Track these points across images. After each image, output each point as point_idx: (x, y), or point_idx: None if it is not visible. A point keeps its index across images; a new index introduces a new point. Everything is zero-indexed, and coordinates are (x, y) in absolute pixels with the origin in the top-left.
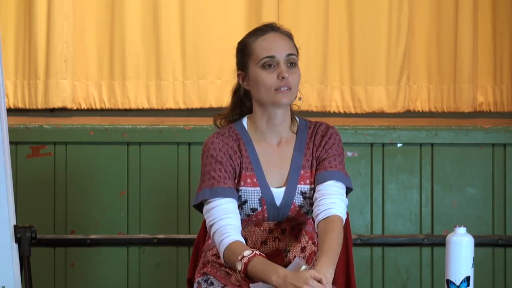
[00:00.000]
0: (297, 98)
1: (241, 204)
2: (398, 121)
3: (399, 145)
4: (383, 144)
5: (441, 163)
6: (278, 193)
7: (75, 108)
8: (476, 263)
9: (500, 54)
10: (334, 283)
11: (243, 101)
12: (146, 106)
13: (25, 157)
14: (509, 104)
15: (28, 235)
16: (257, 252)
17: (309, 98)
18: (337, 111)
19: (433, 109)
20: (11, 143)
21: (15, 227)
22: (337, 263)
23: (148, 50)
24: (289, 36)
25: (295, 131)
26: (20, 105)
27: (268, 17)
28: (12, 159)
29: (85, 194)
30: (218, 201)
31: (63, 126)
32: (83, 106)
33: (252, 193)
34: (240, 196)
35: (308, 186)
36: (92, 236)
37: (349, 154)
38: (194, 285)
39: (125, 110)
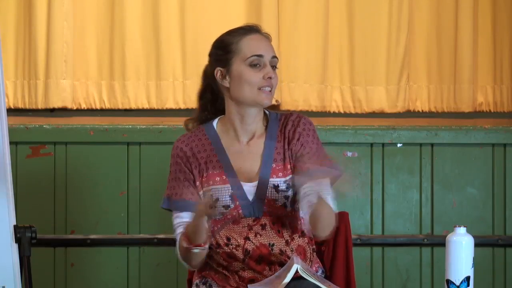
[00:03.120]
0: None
1: (214, 203)
2: (398, 121)
3: (399, 145)
4: (383, 144)
5: (441, 163)
6: (250, 189)
7: (75, 108)
8: (476, 263)
9: (500, 54)
10: (334, 282)
11: (212, 103)
12: (146, 106)
13: (25, 157)
14: (509, 104)
15: (28, 235)
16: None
17: (309, 98)
18: (337, 111)
19: (433, 109)
20: (11, 143)
21: (15, 227)
22: (337, 262)
23: (148, 50)
24: (270, 40)
25: (265, 125)
26: (20, 105)
27: (268, 17)
28: (12, 159)
29: (85, 194)
30: (175, 213)
31: (63, 126)
32: (83, 106)
33: (222, 191)
34: (212, 194)
35: (282, 179)
36: (92, 236)
37: (349, 154)
38: (192, 287)
39: (125, 110)
